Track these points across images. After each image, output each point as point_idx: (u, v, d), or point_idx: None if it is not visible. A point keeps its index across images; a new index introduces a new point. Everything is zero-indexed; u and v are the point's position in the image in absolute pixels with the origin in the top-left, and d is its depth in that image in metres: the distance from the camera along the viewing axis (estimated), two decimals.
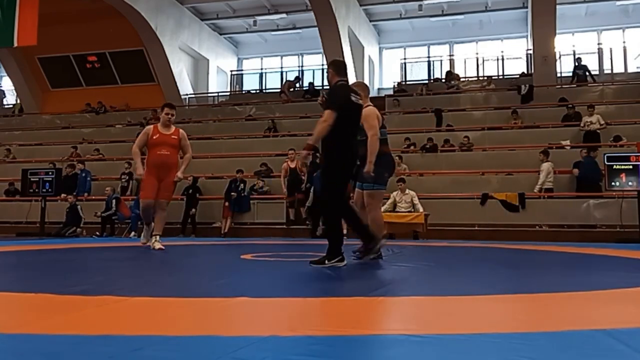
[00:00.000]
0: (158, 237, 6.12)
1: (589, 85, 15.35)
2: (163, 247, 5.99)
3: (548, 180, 10.63)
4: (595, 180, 10.40)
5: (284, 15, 19.18)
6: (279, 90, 18.69)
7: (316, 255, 5.26)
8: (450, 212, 10.79)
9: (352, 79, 16.78)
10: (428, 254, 5.51)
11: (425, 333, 1.76)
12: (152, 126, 6.28)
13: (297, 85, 18.82)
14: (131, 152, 6.48)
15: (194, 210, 11.56)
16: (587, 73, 15.60)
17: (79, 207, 11.52)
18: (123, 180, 12.85)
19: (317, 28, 16.16)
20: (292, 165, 11.24)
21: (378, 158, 4.75)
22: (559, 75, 15.93)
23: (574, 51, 17.22)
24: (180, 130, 6.28)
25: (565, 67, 16.86)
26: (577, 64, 15.71)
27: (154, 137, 6.09)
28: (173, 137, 6.14)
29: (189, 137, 6.70)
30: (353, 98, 4.25)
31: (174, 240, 9.35)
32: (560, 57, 16.54)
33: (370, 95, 5.80)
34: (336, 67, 4.38)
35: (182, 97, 18.52)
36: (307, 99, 17.40)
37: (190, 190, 11.72)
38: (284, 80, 19.67)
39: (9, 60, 18.90)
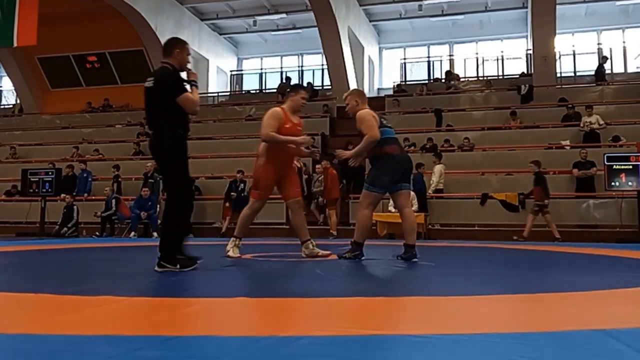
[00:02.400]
0: (314, 242, 5.08)
1: (589, 85, 15.33)
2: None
3: (440, 181, 11.06)
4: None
5: (284, 15, 19.15)
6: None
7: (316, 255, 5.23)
8: (450, 212, 10.79)
9: (352, 79, 16.83)
10: (428, 254, 5.51)
11: (425, 333, 1.76)
12: (280, 109, 4.86)
13: None
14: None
15: None
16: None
17: (74, 207, 11.51)
18: (113, 183, 12.51)
19: (317, 28, 16.13)
20: (298, 165, 11.31)
21: (380, 160, 4.66)
22: (558, 75, 15.92)
23: (600, 49, 17.12)
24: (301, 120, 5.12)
25: (565, 67, 16.86)
26: (601, 61, 15.54)
27: (287, 126, 4.78)
28: (299, 128, 4.95)
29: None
30: (145, 84, 3.96)
31: None
32: (560, 57, 16.53)
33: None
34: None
35: None
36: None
37: None
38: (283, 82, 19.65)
39: (9, 60, 18.86)
